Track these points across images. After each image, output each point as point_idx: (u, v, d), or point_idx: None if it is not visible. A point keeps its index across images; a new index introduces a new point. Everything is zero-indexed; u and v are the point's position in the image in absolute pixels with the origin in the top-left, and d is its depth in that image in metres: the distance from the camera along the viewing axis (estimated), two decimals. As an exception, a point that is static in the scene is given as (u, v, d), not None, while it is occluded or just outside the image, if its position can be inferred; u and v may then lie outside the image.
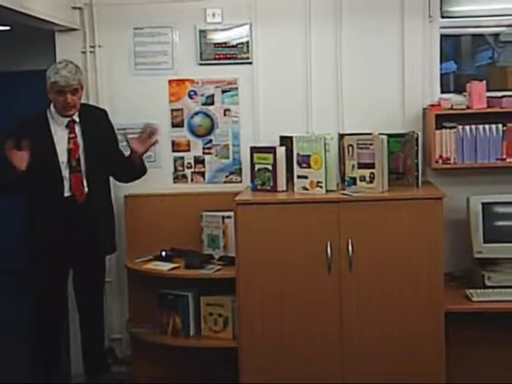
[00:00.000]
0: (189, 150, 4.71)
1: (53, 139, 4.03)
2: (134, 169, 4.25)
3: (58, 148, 4.02)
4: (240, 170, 4.68)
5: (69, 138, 4.05)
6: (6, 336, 5.53)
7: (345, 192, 4.10)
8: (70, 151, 4.03)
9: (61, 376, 4.38)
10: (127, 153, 4.23)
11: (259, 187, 4.32)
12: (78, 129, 4.08)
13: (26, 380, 4.28)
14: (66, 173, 4.02)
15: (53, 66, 4.03)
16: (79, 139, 4.07)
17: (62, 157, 4.02)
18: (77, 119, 4.08)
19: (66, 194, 4.03)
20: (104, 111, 4.33)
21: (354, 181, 4.14)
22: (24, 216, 4.13)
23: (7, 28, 6.64)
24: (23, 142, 3.81)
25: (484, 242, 4.22)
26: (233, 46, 4.59)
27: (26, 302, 4.37)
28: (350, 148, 4.15)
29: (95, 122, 4.18)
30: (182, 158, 4.71)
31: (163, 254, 4.46)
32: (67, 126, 4.06)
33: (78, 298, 4.31)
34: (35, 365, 4.22)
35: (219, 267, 4.30)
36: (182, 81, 4.66)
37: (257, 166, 4.33)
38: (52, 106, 4.06)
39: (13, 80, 7.49)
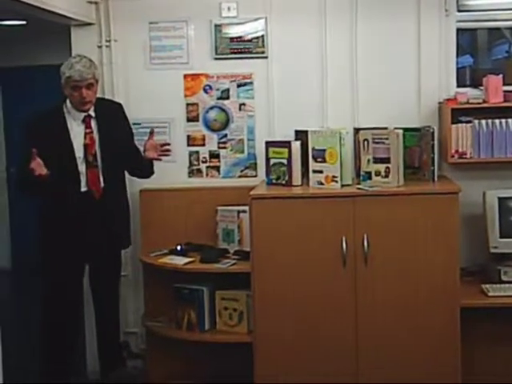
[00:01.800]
0: (204, 145, 4.71)
1: (69, 134, 4.03)
2: (143, 167, 4.26)
3: (75, 143, 4.03)
4: (255, 164, 4.68)
5: (85, 133, 4.06)
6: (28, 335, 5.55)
7: (360, 187, 4.09)
8: (86, 146, 4.04)
9: (76, 373, 4.39)
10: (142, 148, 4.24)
11: (274, 181, 4.32)
12: (94, 124, 4.09)
13: (40, 379, 4.28)
14: (82, 168, 4.03)
15: (67, 61, 4.04)
16: (95, 134, 4.08)
17: (79, 152, 4.03)
18: (93, 114, 4.09)
19: (83, 189, 4.04)
20: (119, 105, 4.34)
21: (369, 175, 4.13)
22: (40, 212, 4.15)
23: (23, 22, 6.67)
24: (33, 151, 3.80)
25: (500, 237, 4.20)
26: (248, 41, 4.59)
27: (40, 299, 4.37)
28: (366, 142, 4.14)
29: (111, 116, 4.19)
30: (197, 152, 4.71)
31: (178, 248, 4.46)
32: (83, 121, 4.07)
33: (94, 293, 4.32)
34: (49, 362, 4.23)
35: (234, 261, 4.30)
36: (197, 75, 4.66)
37: (272, 161, 4.33)
38: (68, 101, 4.07)
39: (29, 74, 7.54)
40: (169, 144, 4.33)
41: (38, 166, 3.80)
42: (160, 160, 4.24)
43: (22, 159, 3.90)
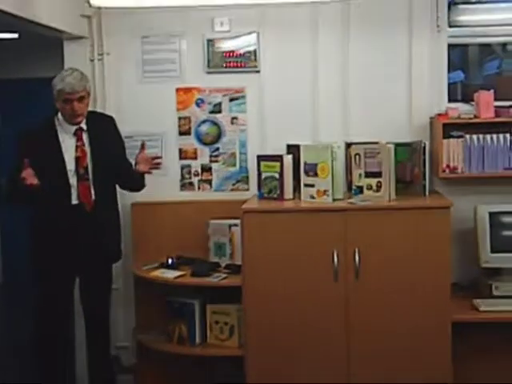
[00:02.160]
0: (196, 158, 4.71)
1: (61, 147, 4.03)
2: (134, 181, 4.25)
3: (66, 156, 4.02)
4: (247, 178, 4.68)
5: (76, 146, 4.05)
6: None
7: (352, 201, 4.10)
8: (77, 159, 4.03)
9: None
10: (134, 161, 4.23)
11: (266, 195, 4.33)
12: (85, 137, 4.09)
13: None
14: (73, 181, 4.02)
15: (59, 74, 4.03)
16: (87, 147, 4.07)
17: (70, 165, 4.02)
18: (84, 127, 4.09)
19: (74, 202, 4.03)
20: (111, 118, 4.33)
21: (360, 189, 4.14)
22: (31, 225, 4.14)
23: (16, 36, 6.67)
24: (25, 160, 3.80)
25: (491, 252, 4.21)
26: (240, 55, 4.60)
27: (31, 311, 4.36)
28: (357, 157, 4.15)
29: (103, 129, 4.19)
30: (189, 165, 4.72)
31: (170, 261, 4.46)
32: (75, 134, 4.06)
33: (85, 306, 4.30)
34: (40, 375, 4.20)
35: (225, 275, 4.29)
36: (190, 89, 4.67)
37: (264, 175, 4.34)
38: (60, 114, 4.07)
39: (21, 87, 7.52)
40: (160, 157, 4.33)
41: (30, 176, 3.80)
42: (151, 173, 4.24)
43: (13, 170, 3.89)
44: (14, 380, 4.73)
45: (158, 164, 4.21)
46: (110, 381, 4.43)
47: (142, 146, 4.18)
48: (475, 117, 4.29)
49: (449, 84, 4.60)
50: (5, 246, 8.02)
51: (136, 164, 4.17)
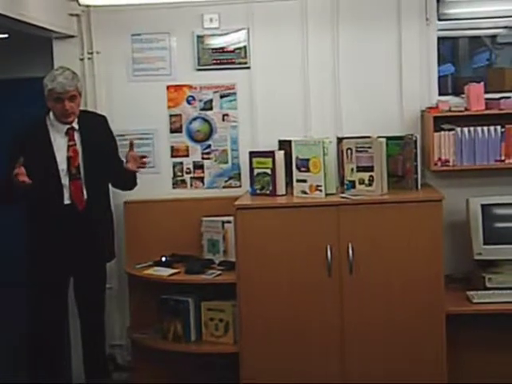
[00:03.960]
0: (188, 156, 4.71)
1: (52, 147, 4.02)
2: (126, 179, 4.25)
3: (58, 156, 4.01)
4: (239, 174, 4.68)
5: (68, 146, 4.04)
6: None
7: (344, 195, 4.10)
8: (69, 159, 4.02)
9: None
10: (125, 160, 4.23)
11: (258, 192, 4.33)
12: (77, 136, 4.07)
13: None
14: (65, 180, 4.01)
15: (49, 73, 4.02)
16: (78, 146, 4.06)
17: (62, 164, 4.01)
18: (76, 126, 4.08)
19: (66, 201, 4.02)
20: (104, 117, 4.32)
21: (353, 184, 4.14)
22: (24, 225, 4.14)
23: (5, 36, 6.64)
24: (18, 160, 3.80)
25: (484, 244, 4.22)
26: (230, 51, 4.60)
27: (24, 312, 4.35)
28: (349, 151, 4.15)
29: (95, 128, 4.17)
30: (181, 163, 4.72)
31: (163, 259, 4.46)
32: (66, 134, 4.05)
33: (79, 306, 4.29)
34: (35, 376, 4.19)
35: (219, 272, 4.30)
36: (180, 86, 4.66)
37: (256, 171, 4.34)
38: (51, 113, 4.06)
39: (11, 87, 7.47)
40: (146, 156, 4.32)
41: (22, 174, 3.80)
42: (138, 172, 4.23)
43: (7, 169, 3.87)
44: (8, 380, 4.71)
45: (145, 163, 4.22)
46: (106, 380, 4.42)
47: (131, 145, 4.18)
48: (466, 109, 4.30)
49: (439, 77, 4.61)
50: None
51: (126, 162, 4.17)
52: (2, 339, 5.78)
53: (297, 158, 4.20)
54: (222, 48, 4.61)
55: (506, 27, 4.74)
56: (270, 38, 4.59)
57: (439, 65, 4.62)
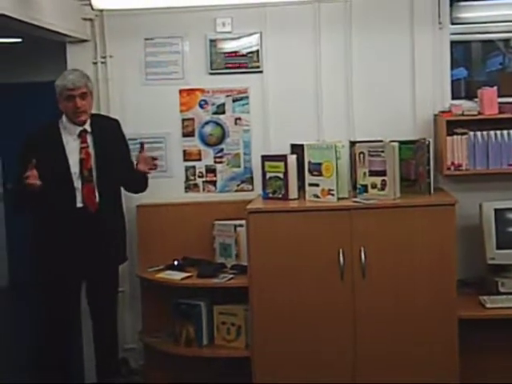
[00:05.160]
0: (200, 159, 4.72)
1: (65, 150, 4.03)
2: (137, 181, 4.27)
3: (70, 159, 4.02)
4: (251, 178, 4.68)
5: (81, 148, 4.05)
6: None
7: (356, 199, 4.09)
8: (81, 161, 4.03)
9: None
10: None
11: (271, 195, 4.33)
12: (89, 139, 4.09)
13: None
14: (78, 183, 4.02)
15: (61, 75, 4.06)
16: (91, 149, 4.07)
17: (74, 167, 4.02)
18: (88, 129, 4.09)
19: (79, 204, 4.03)
20: (116, 121, 4.34)
21: (365, 188, 4.13)
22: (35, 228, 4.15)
23: (19, 40, 6.68)
24: (32, 161, 3.82)
25: (497, 249, 4.21)
26: (243, 55, 4.60)
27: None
28: (362, 155, 4.15)
29: (107, 131, 4.19)
30: (194, 167, 4.72)
31: (175, 263, 4.46)
32: (79, 136, 4.07)
33: (92, 309, 4.30)
34: (48, 378, 4.21)
35: (232, 276, 4.30)
36: (193, 90, 4.67)
37: (268, 175, 4.34)
38: (64, 116, 4.08)
39: (25, 91, 7.53)
40: (157, 158, 4.35)
41: (33, 176, 3.82)
42: (149, 173, 4.25)
43: (19, 172, 3.90)
44: (22, 381, 4.74)
45: (156, 165, 4.25)
46: (118, 382, 4.43)
47: (142, 146, 4.20)
48: (479, 113, 4.29)
49: (452, 81, 4.60)
50: (12, 245, 8.03)
51: (137, 163, 4.19)
52: (12, 341, 5.82)
53: (309, 161, 4.20)
54: (235, 52, 4.61)
55: (519, 31, 4.73)
56: (282, 42, 4.59)
57: (452, 69, 4.61)
